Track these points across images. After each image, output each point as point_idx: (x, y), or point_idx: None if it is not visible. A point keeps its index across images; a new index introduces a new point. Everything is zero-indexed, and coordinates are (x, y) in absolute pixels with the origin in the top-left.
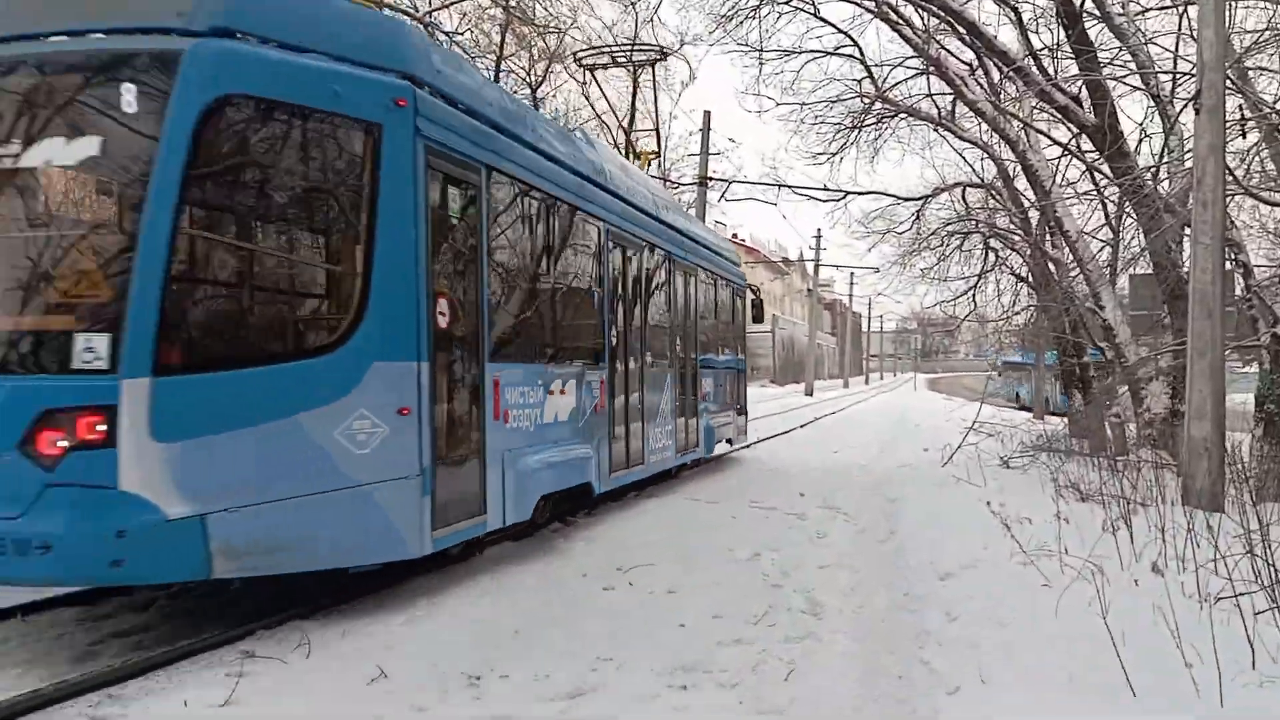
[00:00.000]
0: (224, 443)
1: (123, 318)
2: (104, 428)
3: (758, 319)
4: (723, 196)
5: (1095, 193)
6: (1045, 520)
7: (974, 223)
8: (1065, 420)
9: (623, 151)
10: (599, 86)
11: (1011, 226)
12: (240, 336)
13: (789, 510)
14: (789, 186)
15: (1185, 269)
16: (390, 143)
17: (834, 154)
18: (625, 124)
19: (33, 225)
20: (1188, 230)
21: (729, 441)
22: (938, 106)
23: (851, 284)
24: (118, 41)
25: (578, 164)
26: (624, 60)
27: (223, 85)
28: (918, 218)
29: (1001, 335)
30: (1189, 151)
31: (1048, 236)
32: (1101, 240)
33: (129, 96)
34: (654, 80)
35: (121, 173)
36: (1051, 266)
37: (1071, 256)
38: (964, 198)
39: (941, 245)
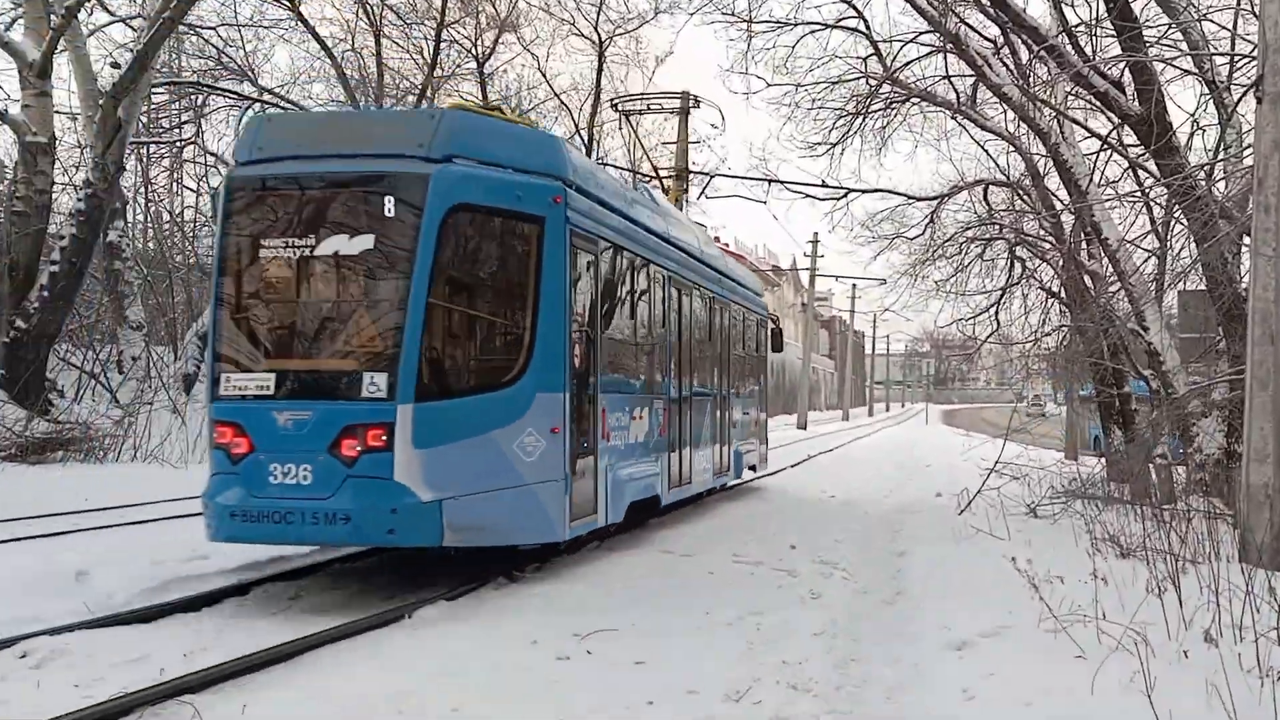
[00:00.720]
0: (451, 450)
1: (396, 363)
2: (385, 438)
3: (777, 349)
4: (703, 192)
5: (1139, 194)
6: (1079, 580)
7: (998, 227)
8: (1102, 461)
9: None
10: (633, 130)
11: (1041, 232)
12: (460, 375)
13: (777, 565)
14: (781, 182)
15: (1244, 285)
16: (549, 230)
17: (834, 145)
18: (652, 162)
19: (331, 297)
20: (1246, 240)
21: (752, 468)
22: (956, 91)
23: (853, 298)
24: (379, 166)
25: (652, 224)
26: (659, 108)
27: (456, 197)
28: (932, 221)
29: (1029, 360)
30: (1249, 147)
31: (1083, 245)
32: (1146, 250)
33: (390, 205)
34: (685, 124)
35: (389, 259)
36: (1088, 280)
37: (1111, 269)
38: (986, 198)
39: (959, 253)
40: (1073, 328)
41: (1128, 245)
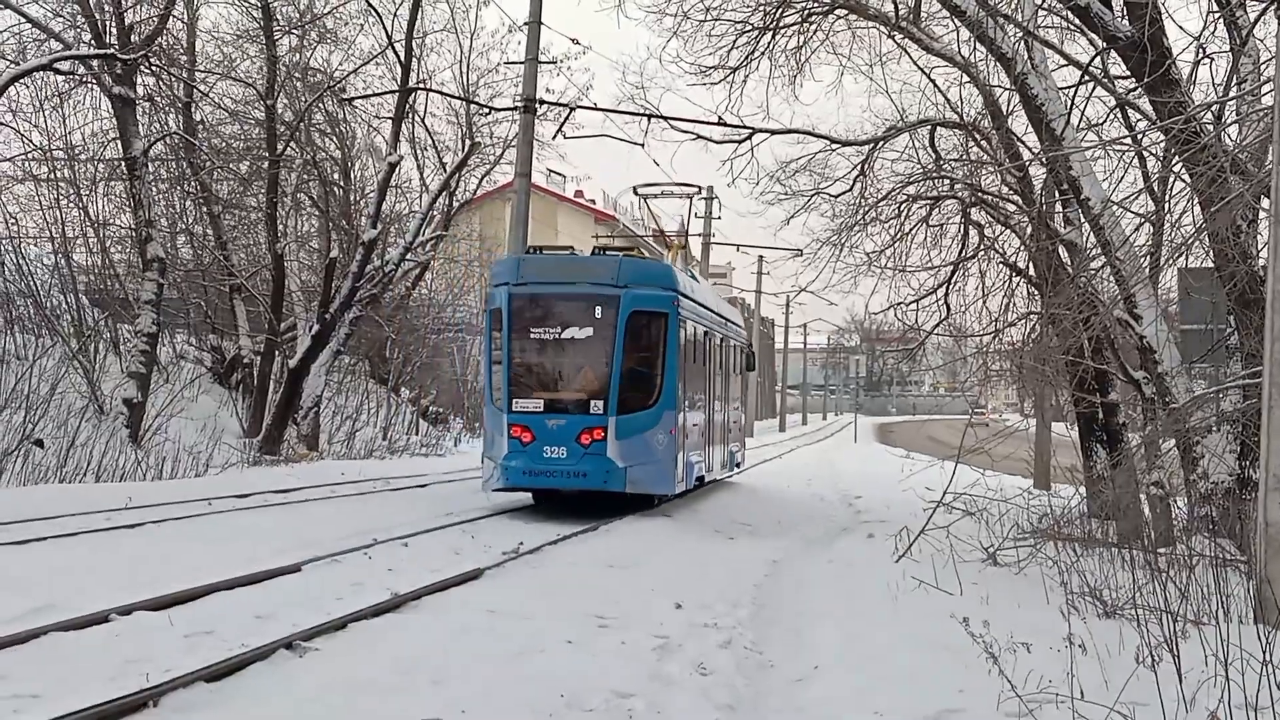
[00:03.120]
0: (630, 441)
1: (607, 395)
2: (603, 434)
3: (750, 369)
4: (560, 130)
5: (1130, 141)
6: (1051, 647)
7: (948, 183)
8: (1081, 490)
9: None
10: (649, 211)
11: (1004, 190)
12: (632, 401)
13: (656, 630)
14: (664, 117)
15: (1262, 262)
16: (670, 320)
17: (734, 70)
18: (663, 230)
19: (572, 360)
20: (1265, 202)
21: (737, 465)
22: (895, 1)
23: (759, 273)
24: (594, 289)
25: (699, 298)
26: (672, 194)
27: (631, 307)
28: (862, 173)
29: (988, 357)
30: (1268, 81)
31: (1058, 207)
32: (1138, 214)
33: (600, 310)
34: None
35: (603, 339)
36: (1063, 253)
37: (1093, 238)
38: (933, 143)
39: (898, 216)
40: (1044, 315)
41: (1115, 208)
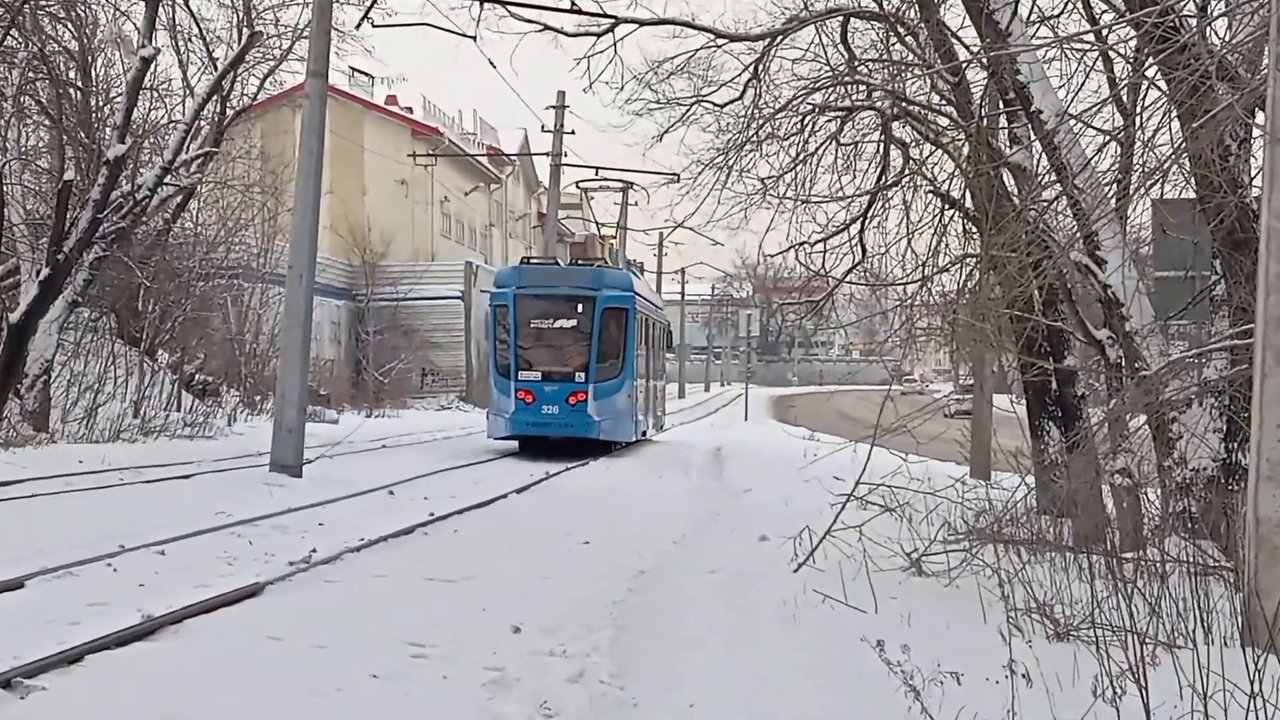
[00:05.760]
0: (604, 402)
1: (588, 369)
2: (584, 398)
3: (669, 347)
4: (366, 16)
5: (1093, 39)
6: (988, 677)
7: (864, 90)
8: (1029, 480)
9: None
10: (589, 206)
11: (934, 100)
12: (606, 372)
13: (488, 661)
14: (501, 2)
15: (1256, 192)
16: (630, 313)
17: None
18: (599, 225)
19: (564, 341)
20: (1260, 117)
21: (660, 428)
22: None
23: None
24: (577, 291)
25: (646, 294)
26: (608, 188)
27: (604, 304)
28: (756, 76)
29: (914, 312)
30: None
31: (1002, 121)
32: (1103, 131)
33: (581, 307)
34: (625, 199)
35: (584, 328)
36: (1009, 179)
37: (1046, 162)
38: (845, 40)
39: (801, 132)
40: (984, 258)
41: (1073, 122)
